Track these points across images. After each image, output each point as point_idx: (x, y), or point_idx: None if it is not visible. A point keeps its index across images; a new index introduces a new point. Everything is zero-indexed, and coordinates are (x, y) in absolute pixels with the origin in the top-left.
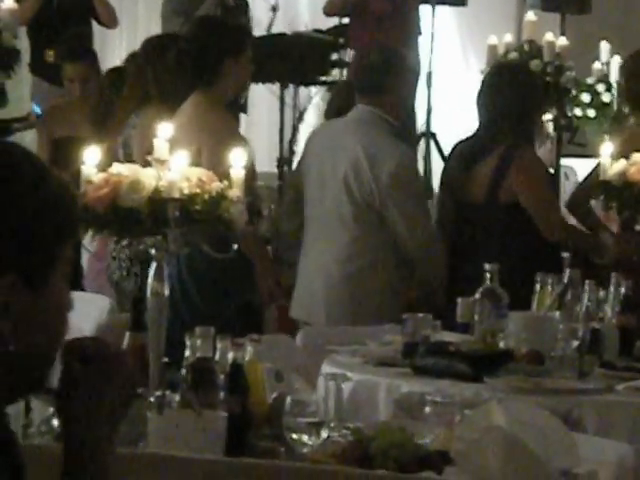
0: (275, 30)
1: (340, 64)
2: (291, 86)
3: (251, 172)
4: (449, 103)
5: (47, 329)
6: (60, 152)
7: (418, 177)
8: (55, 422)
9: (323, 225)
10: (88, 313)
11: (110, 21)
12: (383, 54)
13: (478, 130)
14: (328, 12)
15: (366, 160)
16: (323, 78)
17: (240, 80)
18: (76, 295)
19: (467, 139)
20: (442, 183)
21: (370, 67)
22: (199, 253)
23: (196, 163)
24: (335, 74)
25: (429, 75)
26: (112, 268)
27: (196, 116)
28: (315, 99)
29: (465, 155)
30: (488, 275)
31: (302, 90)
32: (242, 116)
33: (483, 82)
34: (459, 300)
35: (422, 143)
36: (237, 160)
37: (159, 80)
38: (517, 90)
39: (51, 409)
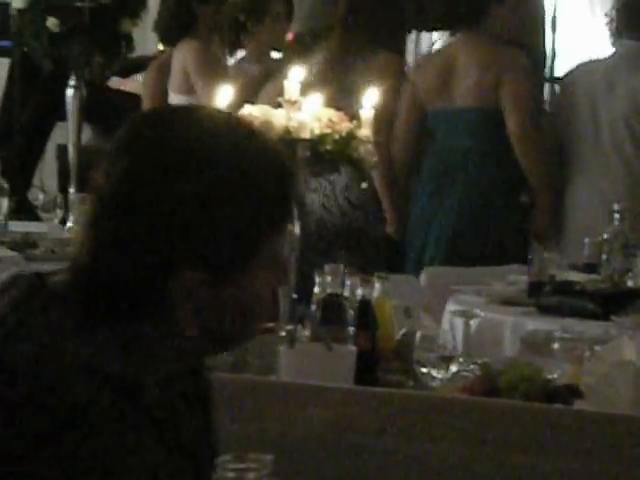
0: None
1: None
2: (413, 32)
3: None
4: (573, 48)
5: (239, 313)
6: None
7: None
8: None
9: (598, 166)
10: None
11: None
12: None
13: None
14: None
15: None
16: None
17: (508, 24)
18: None
19: None
20: None
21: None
22: None
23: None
24: None
25: (554, 20)
26: (354, 215)
27: (487, 51)
28: (437, 45)
29: None
30: (616, 215)
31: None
32: None
33: None
34: (586, 240)
35: (546, 88)
36: (367, 100)
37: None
38: None
39: None
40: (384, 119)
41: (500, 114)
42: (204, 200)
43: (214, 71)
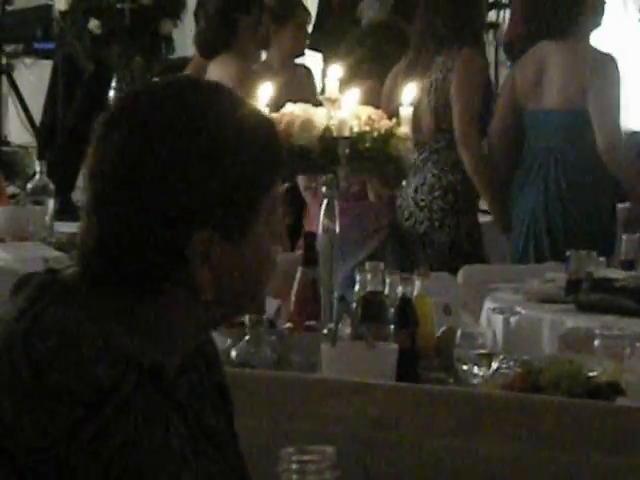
0: None
1: (498, 5)
2: None
3: None
4: (605, 44)
5: (249, 272)
6: None
7: None
8: (233, 353)
9: None
10: None
11: None
12: None
13: None
14: None
15: None
16: None
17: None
18: None
19: None
20: None
21: None
22: None
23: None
24: (492, 15)
25: None
26: (419, 218)
27: (576, 55)
28: None
29: None
30: None
31: None
32: None
33: None
34: (624, 237)
35: None
36: (406, 98)
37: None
38: None
39: (229, 340)
40: (473, 115)
41: (588, 118)
42: (204, 160)
43: (249, 91)
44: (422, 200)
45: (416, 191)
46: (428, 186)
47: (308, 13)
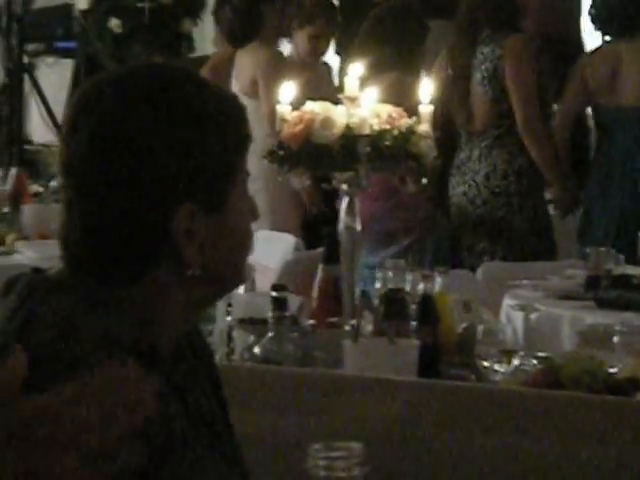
0: None
1: None
2: None
3: None
4: None
5: (232, 245)
6: None
7: None
8: (256, 349)
9: None
10: (274, 251)
11: None
12: None
13: None
14: None
15: None
16: None
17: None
18: (262, 234)
19: None
20: None
21: None
22: None
23: None
24: None
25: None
26: (496, 204)
27: None
28: None
29: None
30: None
31: None
32: None
33: None
34: None
35: None
36: (426, 95)
37: None
38: None
39: (252, 337)
40: (533, 100)
41: None
42: (176, 137)
43: (281, 76)
44: (497, 186)
45: (487, 178)
46: (500, 171)
47: (331, 28)
